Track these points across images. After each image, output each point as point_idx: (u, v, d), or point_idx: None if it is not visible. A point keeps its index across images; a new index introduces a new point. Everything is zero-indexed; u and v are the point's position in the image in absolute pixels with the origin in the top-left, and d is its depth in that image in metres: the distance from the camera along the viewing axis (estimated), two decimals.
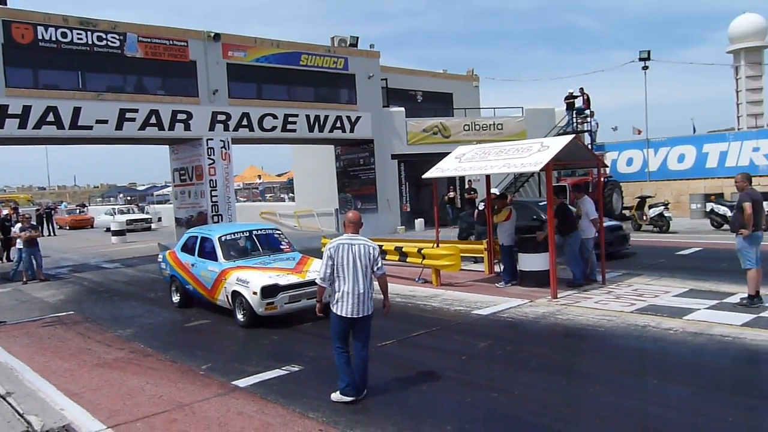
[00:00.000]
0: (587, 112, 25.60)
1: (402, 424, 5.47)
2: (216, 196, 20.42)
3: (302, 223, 28.27)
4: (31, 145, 22.30)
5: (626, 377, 6.54)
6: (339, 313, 5.95)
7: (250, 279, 9.24)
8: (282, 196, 39.59)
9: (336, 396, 6.02)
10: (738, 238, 8.81)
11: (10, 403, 6.56)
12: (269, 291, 9.02)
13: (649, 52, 26.19)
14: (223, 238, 10.44)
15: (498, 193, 12.72)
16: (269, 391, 6.50)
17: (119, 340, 9.33)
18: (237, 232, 10.90)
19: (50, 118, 17.04)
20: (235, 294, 9.46)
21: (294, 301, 9.30)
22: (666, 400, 5.76)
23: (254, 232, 11.05)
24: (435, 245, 12.22)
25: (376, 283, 6.14)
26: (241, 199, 39.44)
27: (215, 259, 10.18)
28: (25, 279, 15.65)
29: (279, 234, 11.43)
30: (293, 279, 9.37)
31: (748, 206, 8.59)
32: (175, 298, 11.49)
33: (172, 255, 11.66)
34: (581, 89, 25.92)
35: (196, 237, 11.10)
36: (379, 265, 6.04)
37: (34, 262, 15.87)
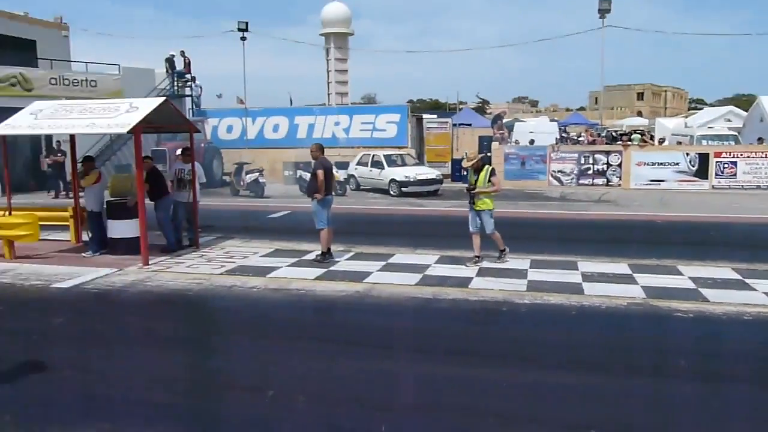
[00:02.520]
0: (188, 76, 25.44)
1: None
2: None
3: None
4: None
5: (212, 338, 6.80)
6: None
7: None
8: None
9: None
10: (313, 202, 9.85)
11: None
12: None
13: (246, 23, 27.29)
14: None
15: (85, 156, 11.72)
16: None
17: None
18: None
19: None
20: None
21: None
22: (243, 352, 6.15)
23: None
24: (7, 213, 10.68)
25: None
26: None
27: None
28: None
29: None
30: None
31: (320, 173, 9.65)
32: None
33: None
34: (182, 52, 25.60)
35: None
36: None
37: None
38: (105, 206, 10.74)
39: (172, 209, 10.93)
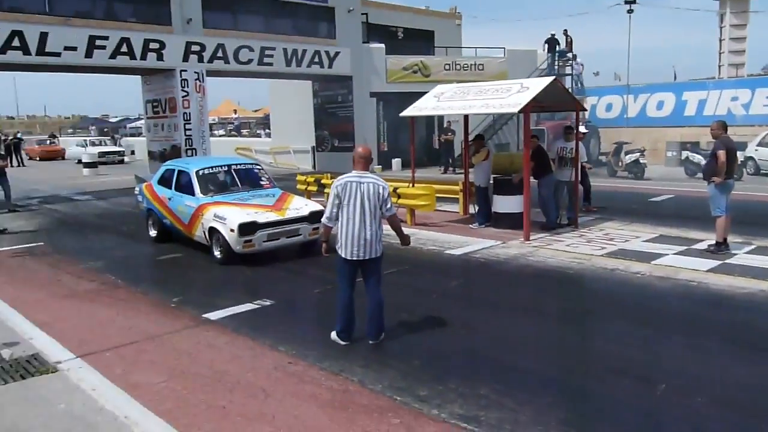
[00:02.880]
0: (569, 55, 25.35)
1: (370, 358, 5.55)
2: (190, 129, 20.03)
3: (278, 159, 27.99)
4: None
5: (592, 318, 6.70)
6: (343, 255, 5.66)
7: (228, 215, 9.00)
8: (258, 132, 39.02)
9: (333, 335, 5.91)
10: (710, 186, 8.89)
11: None
12: (247, 228, 8.82)
13: None
14: (200, 172, 10.10)
15: (476, 135, 12.65)
16: (240, 325, 6.53)
17: (90, 271, 9.25)
18: (215, 167, 10.52)
19: (16, 42, 16.37)
20: (213, 230, 9.28)
21: (273, 240, 9.14)
22: (628, 339, 5.91)
23: (233, 167, 10.63)
24: (410, 185, 12.18)
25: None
26: (217, 133, 38.85)
27: (192, 193, 9.89)
28: None
29: (259, 169, 11.04)
30: (272, 216, 9.17)
31: (722, 154, 8.64)
32: (152, 233, 11.22)
33: (149, 188, 11.27)
34: (565, 31, 25.63)
35: (173, 170, 10.71)
36: (389, 206, 5.68)
37: (1, 191, 15.49)
38: (491, 182, 11.44)
39: (554, 187, 11.08)
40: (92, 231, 13.00)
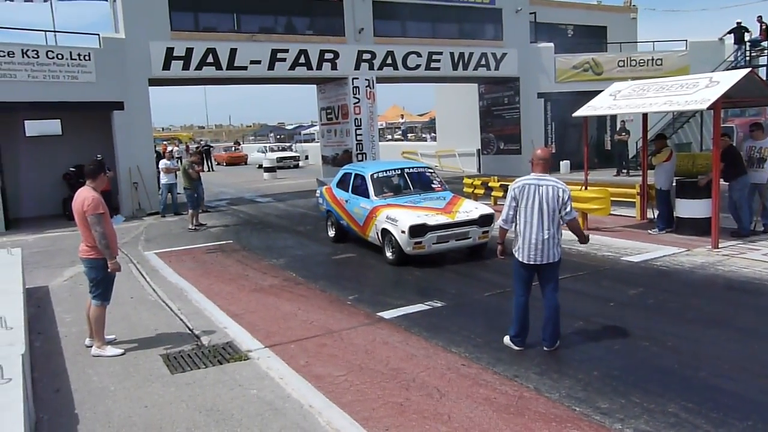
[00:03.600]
0: (764, 44, 22.86)
1: (546, 365, 5.40)
2: (360, 134, 20.85)
3: (443, 163, 28.22)
4: (193, 85, 23.83)
5: None
6: (520, 259, 5.57)
7: (399, 217, 9.29)
8: (424, 135, 39.67)
9: (506, 340, 5.87)
10: None
11: (182, 319, 7.28)
12: (417, 230, 9.04)
13: None
14: (375, 176, 10.56)
15: (657, 134, 11.84)
16: (413, 324, 6.67)
17: (273, 268, 9.97)
18: (389, 170, 10.91)
19: (210, 59, 18.09)
20: (385, 232, 9.64)
21: (442, 242, 9.29)
22: None
23: (406, 170, 10.92)
24: (583, 188, 11.70)
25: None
26: (387, 138, 40.10)
27: (367, 196, 10.35)
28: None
29: (431, 173, 11.25)
30: (442, 219, 9.32)
31: None
32: (331, 233, 11.89)
33: (329, 191, 11.94)
34: (759, 18, 23.12)
35: (350, 173, 11.28)
36: (568, 209, 5.45)
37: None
38: (674, 185, 10.65)
39: (748, 190, 10.07)
40: (273, 230, 13.98)
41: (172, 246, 12.30)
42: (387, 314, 7.07)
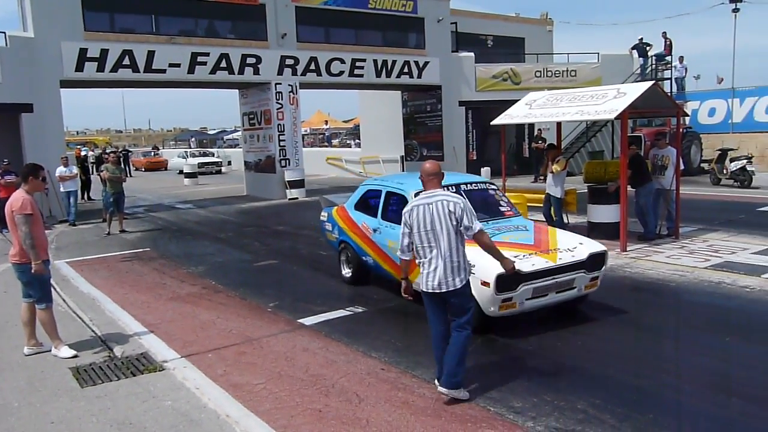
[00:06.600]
0: (668, 58, 24.29)
1: None
2: (284, 140, 20.66)
3: (368, 169, 28.36)
4: (109, 88, 22.95)
5: (696, 333, 6.38)
6: (422, 288, 4.85)
7: (476, 261, 5.66)
8: (348, 142, 39.71)
9: (437, 385, 4.96)
10: None
11: (93, 330, 6.99)
12: (507, 282, 5.83)
13: None
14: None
15: (548, 144, 12.31)
16: (333, 330, 6.67)
17: (192, 276, 9.72)
18: None
19: (126, 61, 17.49)
20: None
21: (539, 296, 6.24)
22: (738, 357, 5.59)
23: (462, 187, 7.42)
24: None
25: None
26: (327, 143, 40.27)
27: None
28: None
29: (495, 190, 8.00)
30: (541, 263, 6.19)
31: None
32: (345, 271, 8.72)
33: (342, 214, 8.75)
34: (664, 33, 24.57)
35: (378, 191, 8.02)
36: (466, 223, 4.67)
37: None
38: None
39: (654, 196, 10.64)
40: (192, 238, 13.65)
41: (85, 255, 11.79)
42: (308, 321, 7.03)
